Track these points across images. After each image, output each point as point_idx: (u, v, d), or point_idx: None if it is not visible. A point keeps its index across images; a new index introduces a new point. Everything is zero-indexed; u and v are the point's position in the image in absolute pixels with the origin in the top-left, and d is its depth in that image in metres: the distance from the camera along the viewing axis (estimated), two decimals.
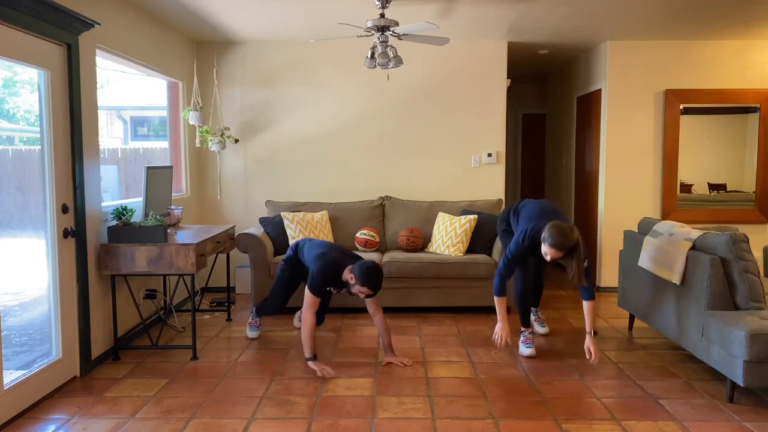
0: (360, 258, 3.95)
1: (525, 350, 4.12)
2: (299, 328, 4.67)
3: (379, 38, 4.36)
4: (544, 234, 3.70)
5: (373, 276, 3.71)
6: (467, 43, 5.97)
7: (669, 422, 3.08)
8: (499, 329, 3.90)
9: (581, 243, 3.71)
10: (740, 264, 3.46)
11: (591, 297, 3.83)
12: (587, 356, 3.81)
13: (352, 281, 3.74)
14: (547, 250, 3.69)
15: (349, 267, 3.79)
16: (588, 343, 3.81)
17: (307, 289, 3.83)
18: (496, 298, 3.94)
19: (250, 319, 4.57)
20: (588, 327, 3.85)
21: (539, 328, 4.65)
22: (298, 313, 4.76)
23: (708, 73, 5.94)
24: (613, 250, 6.07)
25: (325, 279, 3.82)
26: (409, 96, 6.04)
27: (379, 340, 4.43)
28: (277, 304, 4.36)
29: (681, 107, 5.92)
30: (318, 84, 6.01)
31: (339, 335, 4.61)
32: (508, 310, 4.06)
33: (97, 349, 3.95)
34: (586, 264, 3.77)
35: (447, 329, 4.78)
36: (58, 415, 3.20)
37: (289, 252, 4.34)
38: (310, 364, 3.76)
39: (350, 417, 3.14)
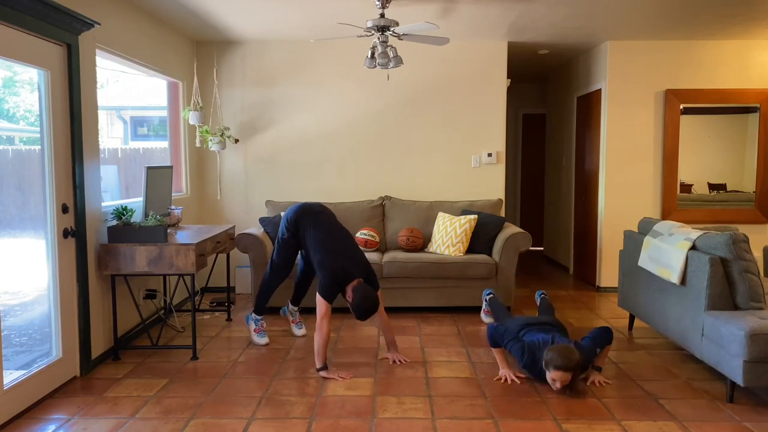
0: (362, 261, 3.91)
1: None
2: (293, 323, 4.65)
3: (379, 38, 4.36)
4: (546, 358, 3.39)
5: (362, 311, 3.70)
6: (467, 43, 5.97)
7: (669, 422, 3.08)
8: (503, 374, 3.69)
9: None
10: (740, 264, 3.46)
11: (608, 342, 3.67)
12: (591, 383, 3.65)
13: (349, 299, 3.76)
14: (554, 376, 3.36)
15: (353, 287, 3.75)
16: (593, 377, 3.62)
17: (318, 296, 3.74)
18: (492, 349, 3.79)
19: (254, 326, 4.41)
20: (597, 362, 3.69)
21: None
22: (284, 308, 4.74)
23: (708, 73, 5.94)
24: (613, 250, 6.07)
25: (336, 286, 3.79)
26: (409, 96, 6.04)
27: (380, 339, 4.43)
28: (276, 281, 4.32)
29: (681, 107, 5.92)
30: (318, 84, 6.01)
31: (339, 335, 4.61)
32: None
33: (97, 349, 3.95)
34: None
35: (447, 329, 4.78)
36: (58, 415, 3.20)
37: (284, 231, 4.18)
38: (323, 374, 3.70)
39: (350, 417, 3.14)
